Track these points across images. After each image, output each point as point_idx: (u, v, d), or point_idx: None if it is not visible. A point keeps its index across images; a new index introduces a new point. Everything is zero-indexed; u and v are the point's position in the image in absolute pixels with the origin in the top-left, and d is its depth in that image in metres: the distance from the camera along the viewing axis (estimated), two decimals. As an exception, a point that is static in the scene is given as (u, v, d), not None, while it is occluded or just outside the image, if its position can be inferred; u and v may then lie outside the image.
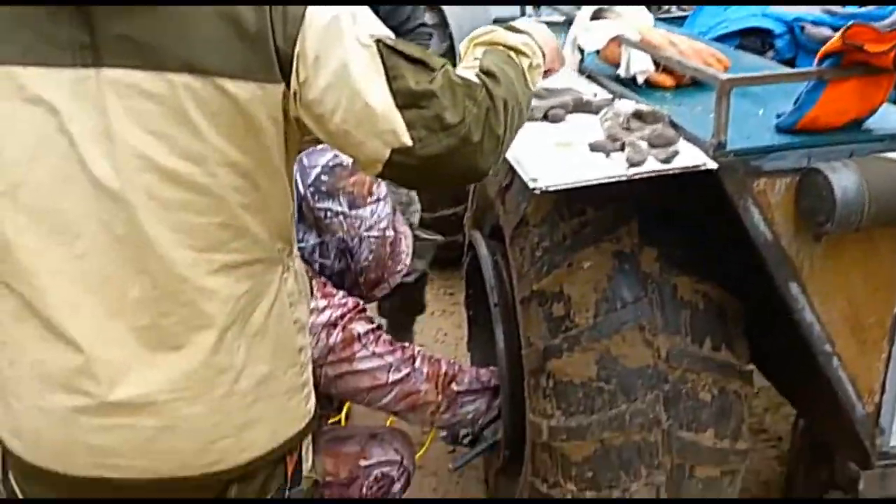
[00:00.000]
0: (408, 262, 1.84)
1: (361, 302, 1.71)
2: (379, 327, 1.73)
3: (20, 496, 1.14)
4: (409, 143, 0.97)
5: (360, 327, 1.66)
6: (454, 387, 1.81)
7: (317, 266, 1.74)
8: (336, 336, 1.62)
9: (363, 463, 1.79)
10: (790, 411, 2.78)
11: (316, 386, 1.64)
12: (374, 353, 1.67)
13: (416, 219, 2.82)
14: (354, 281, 1.78)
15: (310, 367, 1.23)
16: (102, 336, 1.00)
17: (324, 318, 1.61)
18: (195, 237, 0.99)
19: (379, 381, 1.68)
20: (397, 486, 1.86)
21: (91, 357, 1.00)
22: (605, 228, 1.60)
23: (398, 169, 1.01)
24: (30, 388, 1.05)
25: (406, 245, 1.83)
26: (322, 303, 1.63)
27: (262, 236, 1.05)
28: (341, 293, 1.69)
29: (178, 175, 0.96)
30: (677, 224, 1.60)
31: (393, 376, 1.69)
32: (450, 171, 1.02)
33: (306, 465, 1.25)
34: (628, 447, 1.57)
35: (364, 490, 1.78)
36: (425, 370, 1.75)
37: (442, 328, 3.47)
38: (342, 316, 1.64)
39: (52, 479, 1.08)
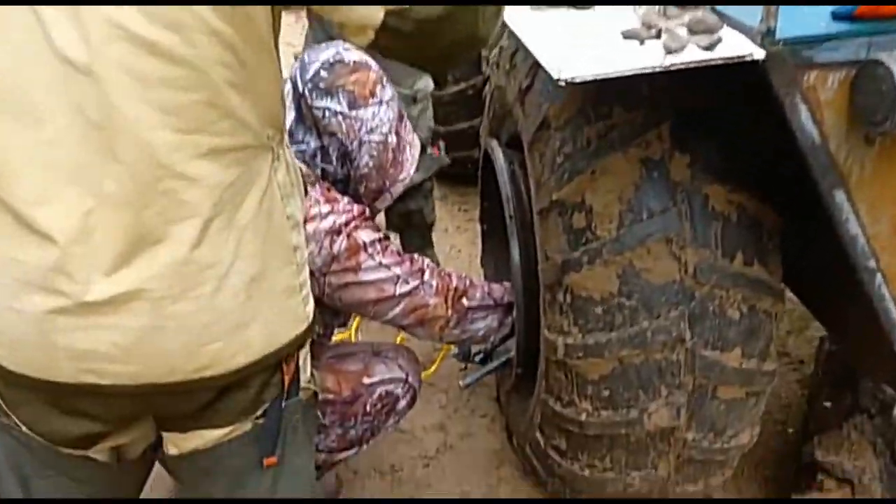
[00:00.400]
0: (411, 171, 1.73)
1: (367, 210, 1.61)
2: (386, 237, 1.64)
3: (3, 404, 1.08)
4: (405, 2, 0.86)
5: (365, 235, 1.56)
6: (465, 302, 1.73)
7: (319, 171, 1.63)
8: (340, 244, 1.52)
9: (366, 381, 1.73)
10: (814, 334, 2.69)
11: (320, 297, 1.56)
12: (380, 264, 1.58)
13: (424, 135, 2.69)
14: (356, 189, 1.68)
15: (307, 270, 1.14)
16: (77, 231, 0.91)
17: (327, 223, 1.52)
18: (179, 117, 0.88)
19: (385, 294, 1.59)
20: (402, 404, 1.80)
21: (66, 253, 0.92)
22: (633, 132, 1.47)
23: (392, 35, 0.90)
24: (5, 289, 0.97)
25: (411, 154, 1.71)
26: (325, 208, 1.53)
27: (251, 120, 0.95)
28: (346, 199, 1.58)
29: (156, 45, 0.84)
30: (712, 128, 1.47)
31: (400, 289, 1.61)
32: (448, 37, 0.91)
33: (304, 376, 1.18)
34: (648, 366, 1.49)
35: (368, 408, 1.73)
36: (434, 283, 1.66)
37: (455, 245, 3.39)
38: (346, 223, 1.54)
39: (35, 385, 1.02)
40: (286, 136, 1.09)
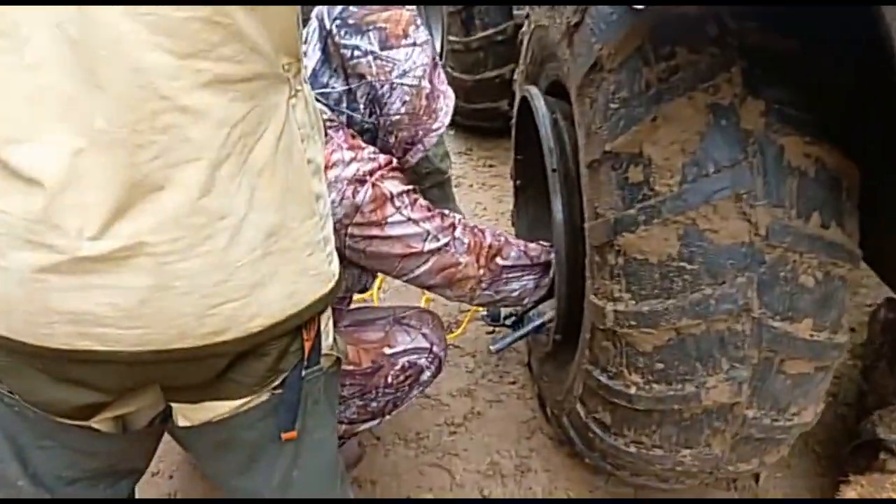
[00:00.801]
0: (446, 122, 1.58)
1: (395, 160, 1.46)
2: (415, 189, 1.49)
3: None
4: None
5: (392, 186, 1.42)
6: (499, 261, 1.59)
7: (344, 118, 1.48)
8: (364, 194, 1.38)
9: (388, 351, 1.61)
10: (862, 300, 2.54)
11: (340, 250, 1.44)
12: (409, 219, 1.44)
13: None
14: (385, 140, 1.53)
15: (330, 223, 1.00)
16: (66, 174, 0.77)
17: (350, 171, 1.38)
18: (174, 37, 0.74)
19: (413, 250, 1.46)
20: (426, 375, 1.67)
21: (54, 201, 0.78)
22: (700, 75, 1.30)
23: None
24: None
25: (445, 104, 1.56)
26: (348, 154, 1.38)
27: (262, 45, 0.81)
28: (372, 148, 1.44)
29: None
30: (789, 72, 1.29)
31: (429, 245, 1.47)
32: None
33: (326, 342, 1.05)
34: (709, 337, 1.34)
35: (389, 379, 1.61)
36: (466, 241, 1.52)
37: (481, 202, 3.24)
38: (371, 171, 1.39)
39: (26, 351, 0.89)
40: (304, 70, 0.95)
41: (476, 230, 1.58)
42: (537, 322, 1.94)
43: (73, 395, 0.94)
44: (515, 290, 1.66)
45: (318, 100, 1.47)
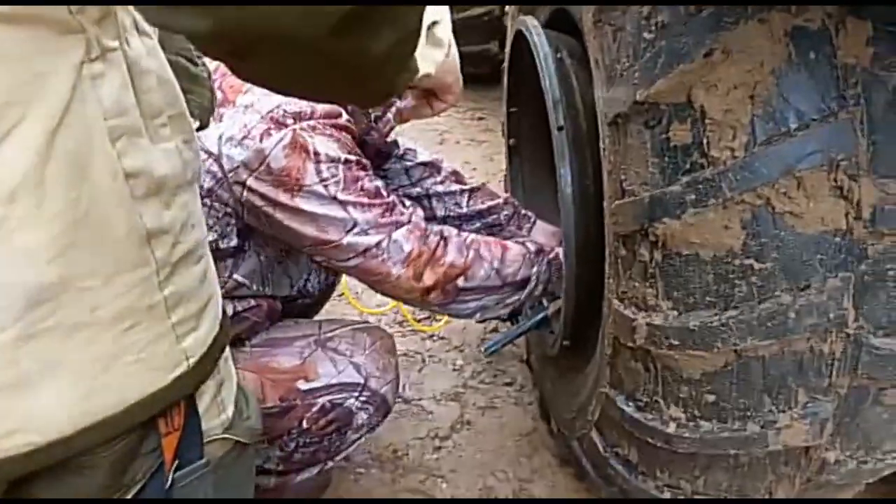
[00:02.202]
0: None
1: (345, 113, 1.08)
2: (361, 164, 1.11)
3: None
4: None
5: (323, 146, 1.05)
6: (460, 283, 1.22)
7: None
8: (277, 141, 1.03)
9: (303, 386, 1.21)
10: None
11: (237, 211, 1.07)
12: (333, 198, 1.08)
13: None
14: None
15: (195, 271, 0.61)
16: None
17: (268, 105, 1.07)
18: None
19: (327, 238, 1.11)
20: (361, 418, 1.27)
21: None
22: (774, -11, 0.90)
23: None
24: None
25: None
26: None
27: None
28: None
29: None
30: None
31: (351, 239, 1.11)
32: None
33: (215, 421, 0.67)
34: (783, 361, 0.97)
35: (305, 424, 1.21)
36: (408, 248, 1.15)
37: (469, 161, 2.82)
38: (299, 115, 1.03)
39: None
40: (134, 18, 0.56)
41: (432, 238, 1.19)
42: (539, 316, 1.56)
43: None
44: (470, 308, 1.31)
45: None
